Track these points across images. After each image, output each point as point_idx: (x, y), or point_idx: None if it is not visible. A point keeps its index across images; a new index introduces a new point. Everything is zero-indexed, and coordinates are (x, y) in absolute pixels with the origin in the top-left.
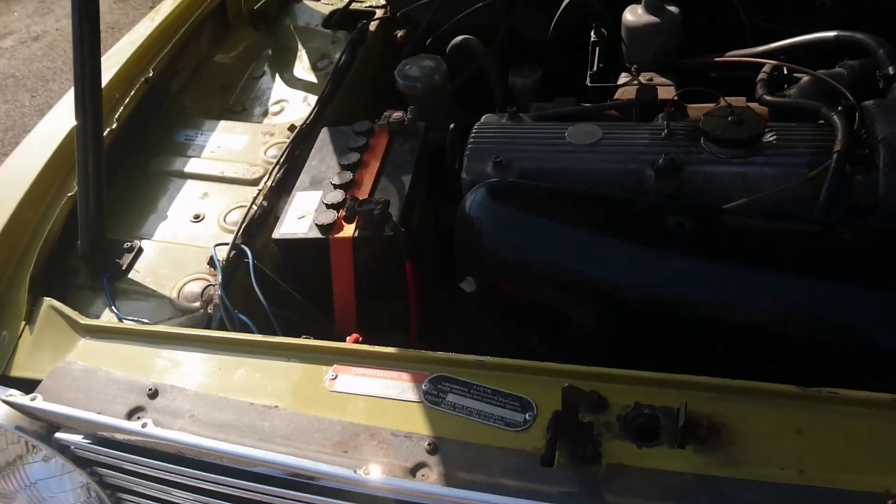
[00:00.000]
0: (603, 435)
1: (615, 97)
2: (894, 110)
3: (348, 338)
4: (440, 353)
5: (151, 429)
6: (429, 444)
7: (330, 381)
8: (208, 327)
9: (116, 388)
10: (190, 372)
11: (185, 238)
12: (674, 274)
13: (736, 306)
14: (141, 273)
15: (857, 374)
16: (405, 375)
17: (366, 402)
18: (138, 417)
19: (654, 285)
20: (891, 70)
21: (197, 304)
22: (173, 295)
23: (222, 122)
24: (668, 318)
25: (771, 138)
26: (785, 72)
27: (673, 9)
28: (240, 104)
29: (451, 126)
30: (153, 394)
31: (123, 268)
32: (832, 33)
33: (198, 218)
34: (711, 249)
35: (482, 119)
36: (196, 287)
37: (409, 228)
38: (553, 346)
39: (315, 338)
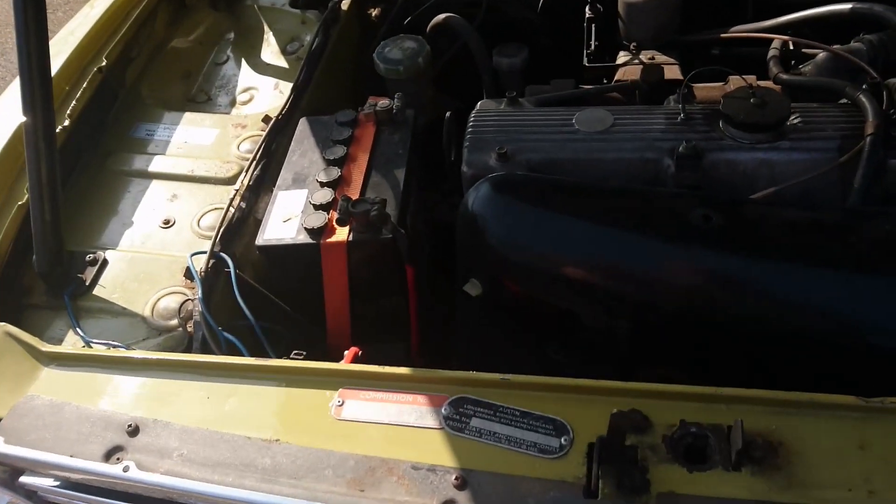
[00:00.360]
0: (649, 459)
1: (615, 78)
2: None
3: (347, 353)
4: (459, 373)
5: (135, 472)
6: (456, 478)
7: (336, 408)
8: (189, 348)
9: (90, 424)
10: (174, 403)
11: (154, 246)
12: (703, 272)
13: (772, 307)
14: (107, 288)
15: None
16: (421, 398)
17: (379, 431)
18: (118, 459)
19: (680, 284)
20: None
21: (174, 321)
22: (146, 312)
23: (187, 114)
24: (695, 319)
25: (795, 121)
26: (791, 47)
27: None
28: (204, 93)
29: (448, 114)
30: (133, 430)
31: (87, 283)
32: (847, 6)
33: (168, 223)
34: (743, 245)
35: (478, 106)
36: (172, 302)
37: (406, 229)
38: (570, 352)
39: (305, 350)
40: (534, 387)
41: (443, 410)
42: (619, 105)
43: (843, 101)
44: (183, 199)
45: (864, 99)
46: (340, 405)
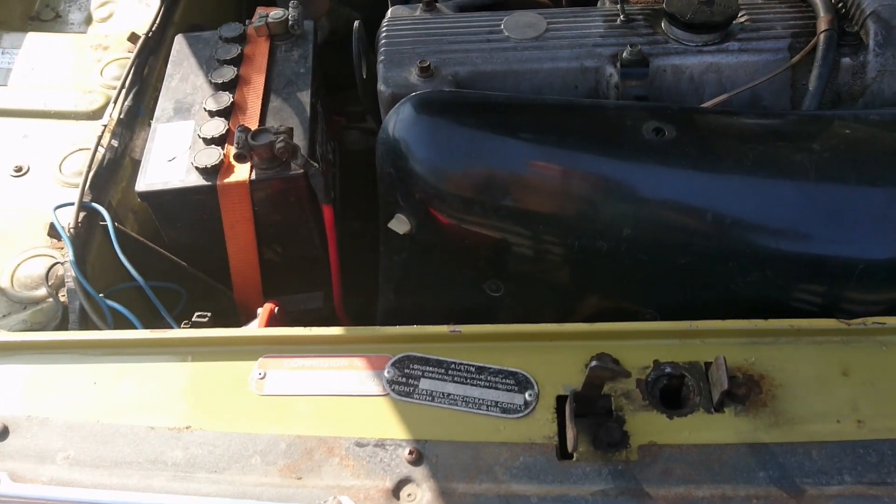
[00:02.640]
0: (625, 408)
1: None
2: None
3: (261, 310)
4: (400, 328)
5: (8, 485)
6: (410, 452)
7: (258, 382)
8: (64, 322)
9: None
10: (52, 394)
11: (6, 200)
12: (660, 191)
13: (734, 224)
14: None
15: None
16: (358, 362)
17: (312, 405)
18: None
19: (635, 206)
20: None
21: (42, 290)
22: (4, 282)
23: (30, 35)
24: (650, 243)
25: (742, 19)
26: None
27: None
28: (50, 9)
29: (356, 23)
30: (2, 432)
31: None
32: None
33: (21, 171)
34: (700, 159)
35: (390, 13)
36: (37, 267)
37: (318, 161)
38: (509, 287)
39: (210, 311)
40: (488, 337)
41: (385, 373)
42: (546, 6)
43: None
44: (37, 140)
45: None
46: (262, 378)
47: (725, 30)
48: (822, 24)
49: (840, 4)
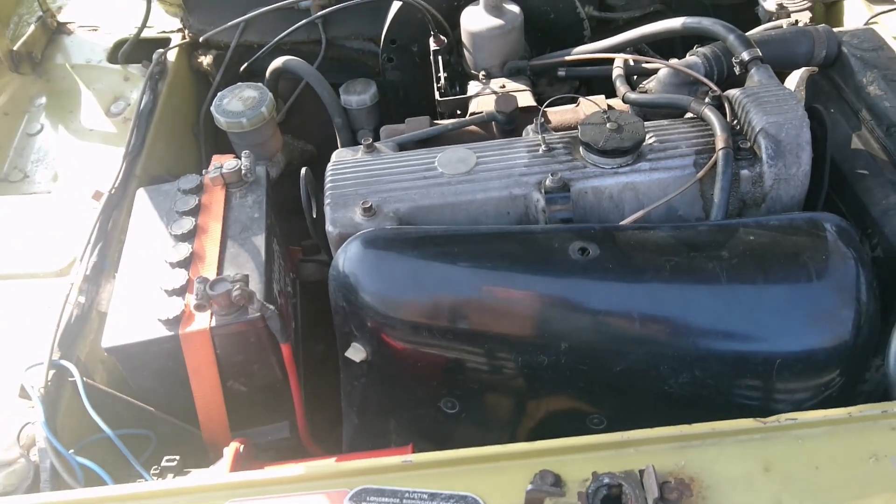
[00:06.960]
0: None
1: (470, 110)
2: (765, 99)
3: (227, 450)
4: (356, 462)
5: None
6: None
7: None
8: (36, 482)
9: None
10: None
11: None
12: (590, 306)
13: (659, 331)
14: None
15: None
16: (318, 499)
17: None
18: None
19: (569, 321)
20: (745, 55)
21: (14, 452)
22: None
23: None
24: (590, 353)
25: (651, 141)
26: (632, 63)
27: (513, 7)
28: (18, 171)
29: (303, 171)
30: None
31: None
32: (678, 21)
33: None
34: (622, 274)
35: (334, 157)
36: (8, 430)
37: (275, 302)
38: (464, 403)
39: (179, 454)
40: (438, 464)
41: None
42: (478, 137)
43: (690, 115)
44: (6, 303)
45: (709, 113)
46: None
47: (636, 152)
48: (720, 143)
49: (735, 122)
